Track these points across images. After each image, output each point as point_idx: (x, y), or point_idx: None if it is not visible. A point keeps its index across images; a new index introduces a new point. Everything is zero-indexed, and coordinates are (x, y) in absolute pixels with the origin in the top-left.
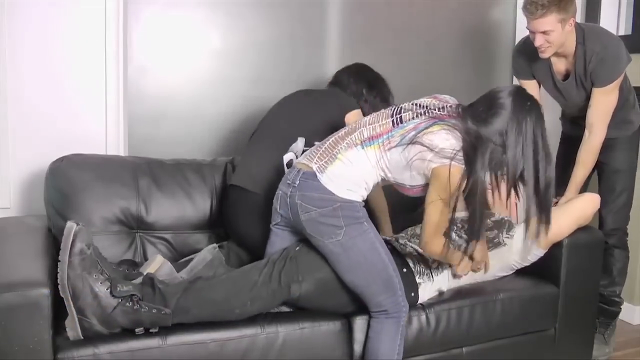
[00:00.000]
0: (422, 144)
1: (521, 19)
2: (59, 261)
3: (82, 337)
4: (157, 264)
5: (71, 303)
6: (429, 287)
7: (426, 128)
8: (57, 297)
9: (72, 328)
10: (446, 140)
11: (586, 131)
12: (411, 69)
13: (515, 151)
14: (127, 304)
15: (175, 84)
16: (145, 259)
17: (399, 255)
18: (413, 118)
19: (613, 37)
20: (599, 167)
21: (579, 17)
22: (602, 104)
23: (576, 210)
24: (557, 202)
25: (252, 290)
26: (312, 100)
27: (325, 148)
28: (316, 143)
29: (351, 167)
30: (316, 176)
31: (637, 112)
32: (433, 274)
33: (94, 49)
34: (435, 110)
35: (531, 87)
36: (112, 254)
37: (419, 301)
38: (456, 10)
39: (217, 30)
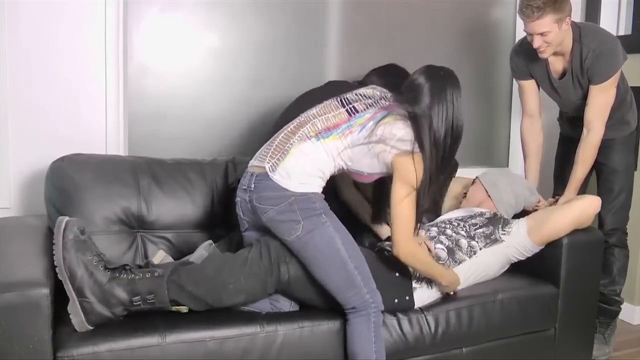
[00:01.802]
0: (383, 134)
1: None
2: (54, 244)
3: (86, 324)
4: (160, 257)
5: (69, 284)
6: (427, 292)
7: (382, 118)
8: (57, 297)
9: (75, 313)
10: (402, 129)
11: (584, 129)
12: (411, 70)
13: (439, 117)
14: (122, 275)
15: (175, 84)
16: (146, 258)
17: (393, 259)
18: (366, 108)
19: (609, 35)
20: (597, 167)
21: (580, 18)
22: (600, 101)
23: (575, 210)
24: (556, 201)
25: (244, 265)
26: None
27: (276, 145)
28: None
29: (305, 159)
30: (268, 175)
31: (635, 112)
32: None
33: (94, 49)
34: (381, 100)
35: (530, 87)
36: (113, 254)
37: (417, 305)
38: (456, 10)
39: (216, 30)
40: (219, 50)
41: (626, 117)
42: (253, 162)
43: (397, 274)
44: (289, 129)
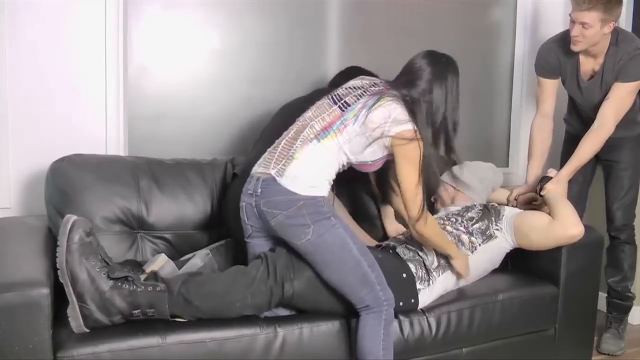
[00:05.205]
0: (378, 119)
1: (521, 19)
2: (58, 246)
3: (84, 328)
4: (161, 263)
5: (70, 288)
6: (428, 293)
7: (374, 103)
8: (57, 297)
9: (74, 317)
10: (395, 109)
11: (596, 121)
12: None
13: (439, 103)
14: (124, 285)
15: (175, 84)
16: (147, 259)
17: (399, 260)
18: (357, 99)
19: None
20: (607, 165)
21: None
22: (620, 99)
23: (558, 238)
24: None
25: (251, 285)
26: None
27: (279, 151)
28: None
29: (310, 163)
30: (276, 180)
31: None
32: (432, 279)
33: (94, 49)
34: (371, 88)
35: (552, 86)
36: (114, 254)
37: (419, 306)
38: (456, 10)
39: (216, 30)
40: (220, 50)
41: (637, 118)
42: (257, 168)
43: (404, 275)
44: (289, 135)
